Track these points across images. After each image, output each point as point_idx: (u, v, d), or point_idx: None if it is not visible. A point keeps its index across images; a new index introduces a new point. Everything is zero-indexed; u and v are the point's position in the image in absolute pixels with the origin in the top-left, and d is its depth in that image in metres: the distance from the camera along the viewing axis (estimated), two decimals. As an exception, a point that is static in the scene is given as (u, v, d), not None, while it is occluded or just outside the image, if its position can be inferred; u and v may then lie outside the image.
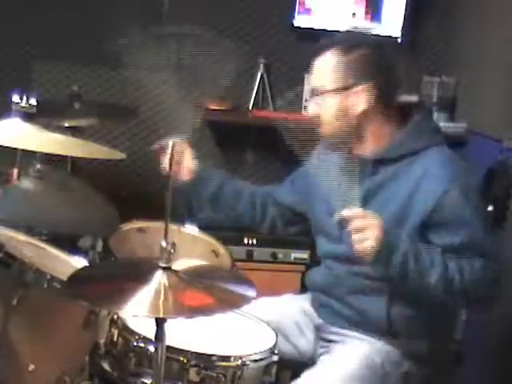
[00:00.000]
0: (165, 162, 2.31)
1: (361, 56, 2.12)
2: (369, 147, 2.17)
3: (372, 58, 2.14)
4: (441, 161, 2.11)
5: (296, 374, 2.16)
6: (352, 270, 2.18)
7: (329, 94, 2.13)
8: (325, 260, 2.33)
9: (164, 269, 1.67)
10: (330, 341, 2.26)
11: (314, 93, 2.18)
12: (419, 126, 2.18)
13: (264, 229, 2.52)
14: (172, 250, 1.67)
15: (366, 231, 1.97)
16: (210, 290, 1.71)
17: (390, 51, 2.21)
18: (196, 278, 1.74)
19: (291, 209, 2.45)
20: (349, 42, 2.17)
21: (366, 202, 2.10)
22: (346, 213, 1.99)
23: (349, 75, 2.12)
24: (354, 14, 3.81)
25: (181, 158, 2.40)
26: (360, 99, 2.12)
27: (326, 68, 2.14)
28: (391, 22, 3.76)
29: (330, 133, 2.17)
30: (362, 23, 3.79)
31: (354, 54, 2.12)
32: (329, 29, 3.80)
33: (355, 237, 1.97)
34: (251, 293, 1.72)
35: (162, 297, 1.61)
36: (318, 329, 2.32)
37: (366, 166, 2.16)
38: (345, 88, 2.12)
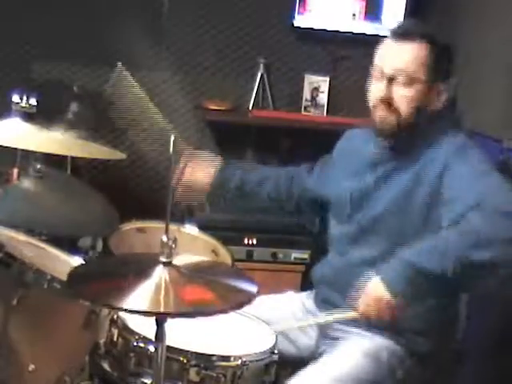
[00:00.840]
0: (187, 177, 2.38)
1: (444, 54, 2.14)
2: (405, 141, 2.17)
3: (449, 59, 2.16)
4: (453, 140, 2.12)
5: (296, 373, 2.15)
6: (361, 255, 2.19)
7: (419, 82, 2.11)
8: (334, 245, 2.33)
9: (165, 264, 1.67)
10: (333, 338, 2.26)
11: (395, 76, 2.11)
12: (445, 120, 2.19)
13: (289, 209, 2.52)
14: (173, 245, 1.67)
15: (381, 313, 1.95)
16: (211, 286, 1.70)
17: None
18: (197, 273, 1.74)
19: (314, 192, 2.45)
20: (435, 37, 2.15)
21: (378, 184, 2.17)
22: (359, 312, 1.99)
23: (436, 70, 2.12)
24: (353, 14, 3.81)
25: (197, 168, 2.42)
26: (440, 97, 2.14)
27: (418, 56, 2.11)
28: (391, 22, 3.76)
29: (399, 120, 2.13)
30: (361, 23, 3.79)
31: (440, 51, 2.13)
32: (329, 29, 3.81)
33: (376, 315, 1.96)
34: (253, 289, 1.72)
35: (162, 292, 1.61)
36: (320, 326, 2.32)
37: (390, 152, 2.19)
38: (432, 81, 2.12)
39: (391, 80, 2.12)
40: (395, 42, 2.14)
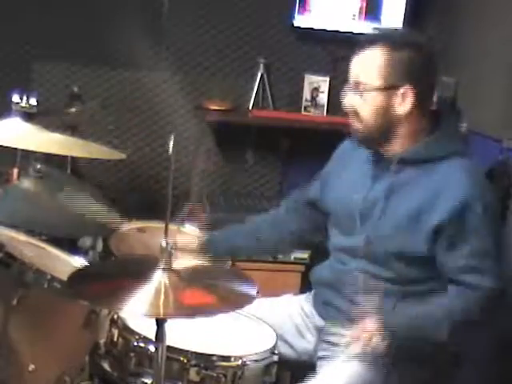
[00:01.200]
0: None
1: (409, 56, 2.10)
2: (395, 147, 2.17)
3: (421, 59, 2.12)
4: (465, 171, 2.11)
5: (296, 375, 2.15)
6: (363, 268, 2.18)
7: (374, 90, 2.11)
8: (336, 254, 2.32)
9: (164, 268, 1.67)
10: (330, 343, 2.25)
11: (356, 86, 2.14)
12: (446, 133, 2.18)
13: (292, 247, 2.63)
14: (172, 250, 1.67)
15: (369, 342, 2.02)
16: (211, 289, 1.70)
17: (434, 53, 2.19)
18: (196, 277, 1.74)
19: (316, 205, 2.44)
20: (397, 39, 2.14)
21: (386, 197, 2.13)
22: (344, 342, 2.05)
23: (396, 74, 2.10)
24: (353, 14, 3.81)
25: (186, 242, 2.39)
26: (405, 100, 2.11)
27: (373, 63, 2.11)
28: (391, 22, 3.75)
29: (365, 128, 2.15)
30: (361, 23, 3.79)
31: (402, 52, 2.10)
32: (328, 29, 3.80)
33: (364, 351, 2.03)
34: (253, 291, 1.72)
35: (162, 296, 1.61)
36: (318, 330, 2.31)
37: (389, 164, 2.17)
38: (392, 87, 2.10)
39: (353, 88, 2.14)
40: (358, 52, 2.15)
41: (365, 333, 2.03)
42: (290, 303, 2.43)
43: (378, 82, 2.10)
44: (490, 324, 2.22)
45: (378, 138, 2.16)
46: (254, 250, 2.50)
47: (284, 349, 2.24)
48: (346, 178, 2.29)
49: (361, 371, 2.12)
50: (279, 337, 2.16)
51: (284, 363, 2.14)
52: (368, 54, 2.12)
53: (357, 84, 2.13)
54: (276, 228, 2.47)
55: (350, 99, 2.16)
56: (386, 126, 2.13)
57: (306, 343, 2.32)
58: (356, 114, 2.15)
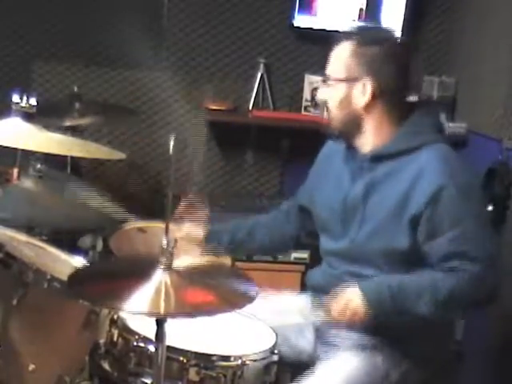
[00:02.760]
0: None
1: (373, 50, 2.15)
2: (369, 143, 2.20)
3: (384, 54, 2.16)
4: (438, 158, 2.11)
5: (296, 375, 2.15)
6: (352, 271, 2.19)
7: (336, 82, 2.17)
8: (326, 258, 2.33)
9: (165, 268, 1.67)
10: (329, 342, 2.26)
11: (325, 79, 2.22)
12: (417, 124, 2.19)
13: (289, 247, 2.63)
14: (173, 249, 1.67)
15: (348, 310, 2.06)
16: (212, 288, 1.70)
17: (403, 49, 2.22)
18: (197, 276, 1.74)
19: (307, 210, 2.44)
20: (366, 35, 2.21)
21: (364, 197, 2.15)
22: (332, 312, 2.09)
23: (358, 67, 2.15)
24: (354, 14, 3.81)
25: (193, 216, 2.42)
26: (364, 92, 2.15)
27: (338, 57, 2.19)
28: (391, 23, 3.75)
29: (334, 121, 2.21)
30: (361, 23, 3.78)
31: (367, 47, 2.15)
32: (328, 29, 3.80)
33: (343, 318, 2.07)
34: (253, 290, 1.72)
35: (162, 295, 1.61)
36: (317, 330, 2.32)
37: (365, 161, 2.19)
38: (352, 79, 2.15)
39: (323, 82, 2.23)
40: (333, 47, 2.23)
41: (346, 300, 2.06)
42: (290, 302, 2.43)
43: (340, 74, 2.17)
44: (486, 321, 2.22)
45: (344, 130, 2.21)
46: (251, 246, 2.51)
47: (284, 349, 2.24)
48: (329, 180, 2.31)
49: (359, 370, 2.13)
50: (280, 337, 2.16)
51: (284, 363, 2.14)
52: (337, 49, 2.21)
53: (326, 77, 2.21)
54: (274, 228, 2.49)
55: (320, 92, 2.29)
56: (349, 117, 2.18)
57: (305, 342, 2.32)
58: (326, 107, 2.23)
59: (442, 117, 3.61)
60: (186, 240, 2.31)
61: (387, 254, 2.12)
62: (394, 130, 2.18)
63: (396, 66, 2.18)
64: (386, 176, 2.15)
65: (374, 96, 2.15)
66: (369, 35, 2.21)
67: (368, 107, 2.16)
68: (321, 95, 2.26)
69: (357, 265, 2.17)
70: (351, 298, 2.06)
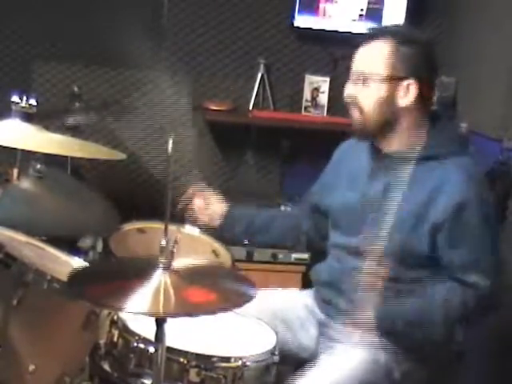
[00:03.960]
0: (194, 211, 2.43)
1: (414, 51, 2.14)
2: (395, 144, 2.18)
3: (423, 56, 2.16)
4: (464, 171, 2.12)
5: (297, 370, 2.15)
6: (360, 267, 2.19)
7: (380, 79, 2.13)
8: (334, 252, 2.32)
9: (164, 268, 1.67)
10: (332, 338, 2.26)
11: (359, 77, 2.16)
12: (446, 132, 2.20)
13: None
14: (174, 249, 1.67)
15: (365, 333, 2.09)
16: (212, 288, 1.70)
17: (434, 52, 2.22)
18: (196, 277, 1.74)
19: (317, 209, 2.44)
20: (403, 34, 2.18)
21: (385, 196, 2.15)
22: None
23: (402, 66, 2.12)
24: (354, 14, 3.81)
25: (208, 205, 2.45)
26: (408, 93, 2.13)
27: (377, 55, 2.14)
28: (391, 23, 3.75)
29: (365, 119, 2.17)
30: (362, 23, 3.78)
31: (408, 47, 2.13)
32: (328, 29, 3.80)
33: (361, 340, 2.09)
34: (252, 292, 1.72)
35: (161, 294, 1.61)
36: (320, 325, 2.32)
37: (389, 161, 2.18)
38: (397, 78, 2.12)
39: (356, 80, 2.17)
40: (363, 44, 2.18)
41: (361, 325, 2.07)
42: (294, 296, 2.44)
43: (383, 72, 2.12)
44: (487, 321, 2.24)
45: (377, 130, 2.17)
46: (266, 235, 2.50)
47: (288, 337, 2.25)
48: (346, 176, 2.30)
49: (361, 367, 2.13)
50: (284, 325, 2.17)
51: (286, 356, 2.14)
52: (374, 46, 2.15)
53: (360, 74, 2.15)
54: (289, 223, 2.51)
55: (351, 90, 2.18)
56: (387, 117, 2.15)
57: (308, 337, 2.32)
58: (357, 105, 2.17)
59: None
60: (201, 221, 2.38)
61: (400, 256, 2.13)
62: (422, 133, 2.17)
63: (433, 69, 2.19)
64: (410, 179, 2.14)
65: (416, 98, 2.13)
66: (407, 35, 2.19)
67: (406, 108, 2.14)
68: (351, 93, 2.18)
69: (367, 262, 2.17)
70: (365, 322, 2.07)
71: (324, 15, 3.79)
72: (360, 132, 2.22)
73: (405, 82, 2.12)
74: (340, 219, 2.29)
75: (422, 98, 2.15)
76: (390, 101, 2.14)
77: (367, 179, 2.22)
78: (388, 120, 2.15)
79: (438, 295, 2.11)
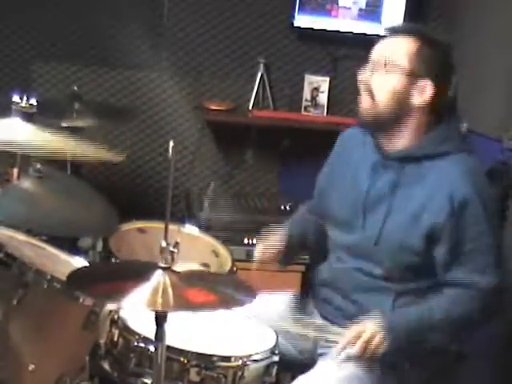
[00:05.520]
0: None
1: (437, 53, 2.14)
2: (400, 142, 2.17)
3: (444, 60, 2.16)
4: (464, 168, 2.12)
5: (296, 375, 2.15)
6: (361, 267, 2.19)
7: (397, 71, 2.12)
8: (336, 252, 2.32)
9: (164, 269, 1.67)
10: (330, 341, 2.26)
11: (377, 64, 2.14)
12: (447, 130, 2.19)
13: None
14: (175, 250, 1.67)
15: (369, 344, 2.05)
16: (211, 290, 1.70)
17: (452, 57, 2.22)
18: (196, 279, 1.74)
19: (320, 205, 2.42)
20: (429, 36, 2.18)
21: (390, 194, 2.15)
22: (343, 342, 2.08)
23: (423, 66, 2.12)
24: (353, 14, 3.81)
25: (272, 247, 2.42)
26: (423, 92, 2.12)
27: (402, 48, 2.13)
28: (391, 23, 3.75)
29: (376, 109, 2.15)
30: (362, 23, 3.78)
31: (431, 49, 2.13)
32: (329, 29, 3.80)
33: (363, 353, 2.06)
34: (250, 298, 1.72)
35: (160, 292, 1.61)
36: (318, 328, 2.32)
37: (391, 159, 2.17)
38: (414, 75, 2.12)
39: (375, 67, 2.15)
40: (389, 36, 2.18)
41: (363, 335, 2.05)
42: (291, 300, 2.43)
43: (405, 65, 2.11)
44: (491, 322, 2.24)
45: (384, 123, 2.16)
46: (311, 245, 2.49)
47: (285, 346, 2.24)
48: (345, 172, 2.28)
49: (360, 369, 2.12)
50: (281, 334, 2.16)
51: (284, 362, 2.14)
52: (400, 41, 2.15)
53: (382, 63, 2.13)
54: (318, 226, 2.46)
55: (367, 76, 2.16)
56: (397, 112, 2.14)
57: (306, 342, 2.32)
58: (370, 92, 2.15)
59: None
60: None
61: (401, 255, 2.13)
62: (425, 132, 2.17)
63: (451, 73, 2.18)
64: (413, 178, 2.14)
65: (430, 100, 2.13)
66: (432, 36, 2.19)
67: (418, 108, 2.14)
68: (367, 79, 2.16)
69: (368, 261, 2.18)
70: (372, 333, 2.06)
71: (324, 15, 3.79)
72: (366, 122, 2.20)
73: (422, 82, 2.12)
74: (341, 216, 2.28)
75: (435, 101, 2.13)
76: (403, 96, 2.12)
77: (367, 175, 2.21)
78: (397, 116, 2.14)
79: (440, 301, 2.10)
